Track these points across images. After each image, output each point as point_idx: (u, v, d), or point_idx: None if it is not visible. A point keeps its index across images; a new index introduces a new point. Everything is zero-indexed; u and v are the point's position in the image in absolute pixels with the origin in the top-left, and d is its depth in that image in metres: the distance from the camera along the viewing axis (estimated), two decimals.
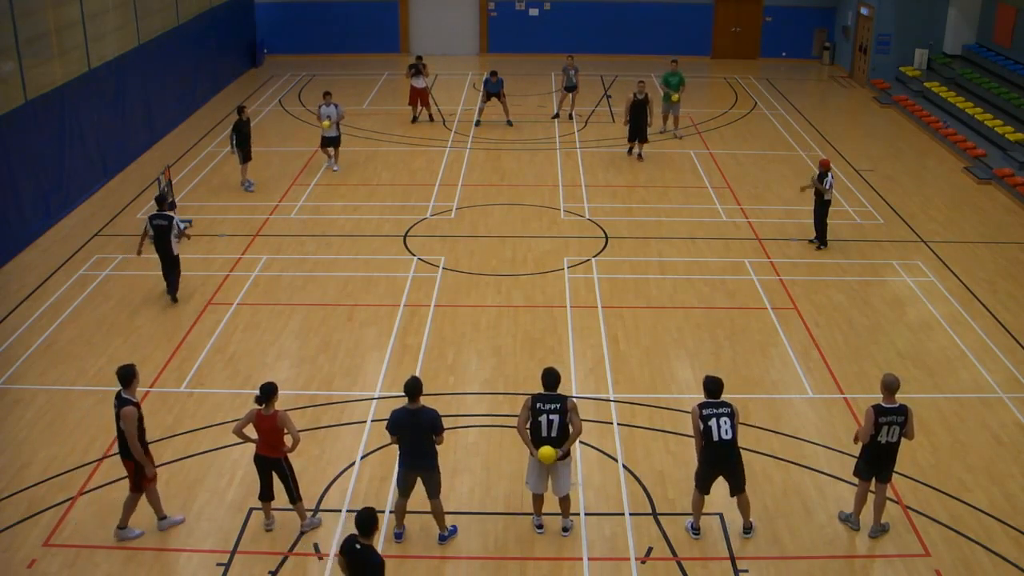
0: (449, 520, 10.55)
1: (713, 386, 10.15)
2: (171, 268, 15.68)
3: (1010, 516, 10.86)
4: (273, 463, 10.26)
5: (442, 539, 10.38)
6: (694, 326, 15.07)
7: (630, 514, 10.84)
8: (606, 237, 18.38)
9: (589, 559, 10.20)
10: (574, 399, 10.84)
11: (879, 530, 10.49)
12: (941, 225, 19.35)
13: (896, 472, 10.66)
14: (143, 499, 10.44)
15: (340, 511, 10.85)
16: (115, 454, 11.60)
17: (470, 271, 16.91)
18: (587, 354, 14.22)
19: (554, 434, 10.02)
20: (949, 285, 16.57)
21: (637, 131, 22.55)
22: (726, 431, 9.96)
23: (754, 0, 34.35)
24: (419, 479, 10.17)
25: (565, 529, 10.52)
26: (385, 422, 10.22)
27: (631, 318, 15.30)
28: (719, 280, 16.66)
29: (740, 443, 10.21)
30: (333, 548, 10.28)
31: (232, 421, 12.13)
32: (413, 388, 9.96)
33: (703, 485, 10.29)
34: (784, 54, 34.59)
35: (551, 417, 10.00)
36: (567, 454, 10.16)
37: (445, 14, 34.78)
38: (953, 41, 29.67)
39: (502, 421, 12.49)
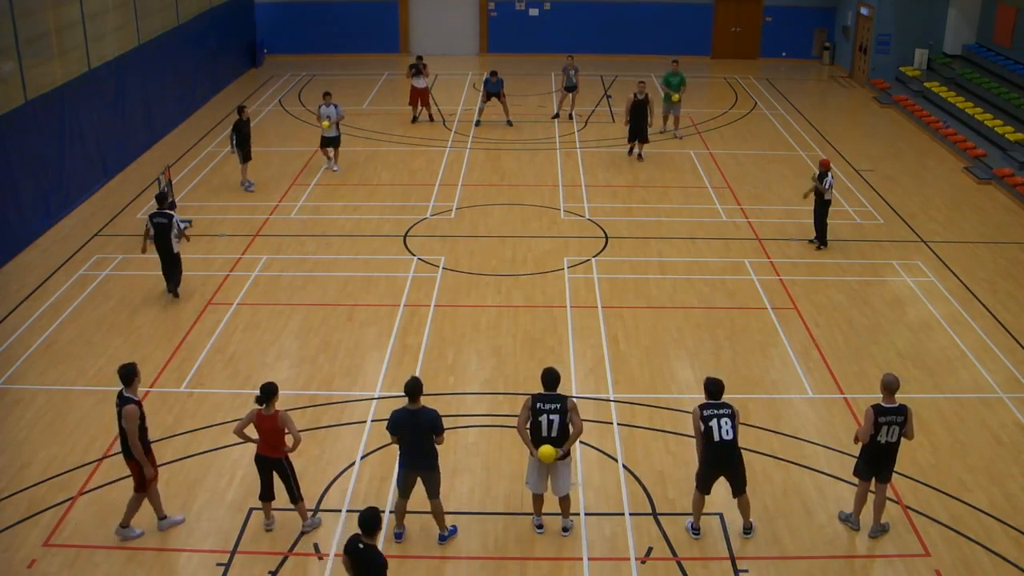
0: (449, 520, 10.55)
1: (714, 387, 10.16)
2: (172, 266, 15.73)
3: (1010, 516, 10.86)
4: (274, 463, 10.26)
5: (442, 539, 10.38)
6: (694, 326, 15.07)
7: (630, 514, 10.85)
8: (606, 237, 18.38)
9: (589, 559, 10.20)
10: (574, 399, 10.84)
11: (879, 530, 10.49)
12: (941, 225, 19.35)
13: (896, 472, 10.66)
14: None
15: (340, 511, 10.85)
16: (115, 454, 11.63)
17: (470, 271, 16.91)
18: (587, 354, 14.22)
19: (554, 434, 10.03)
20: (949, 285, 16.57)
21: (637, 131, 22.55)
22: (727, 432, 9.96)
23: (754, 0, 34.35)
24: (419, 479, 10.18)
25: (565, 529, 10.53)
26: (385, 422, 10.23)
27: (631, 318, 15.30)
28: (719, 280, 16.67)
29: (740, 443, 10.20)
30: (333, 548, 10.29)
31: (232, 421, 12.13)
32: (413, 388, 9.96)
33: (704, 485, 10.29)
34: (784, 54, 34.59)
35: (551, 417, 10.00)
36: (567, 454, 10.16)
37: (445, 14, 34.78)
38: (953, 41, 29.67)
39: (502, 421, 12.49)
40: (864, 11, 31.18)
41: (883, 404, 10.13)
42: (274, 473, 10.34)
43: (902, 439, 10.24)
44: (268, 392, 10.05)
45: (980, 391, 13.41)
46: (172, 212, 15.83)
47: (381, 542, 10.07)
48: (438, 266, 17.07)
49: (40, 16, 19.36)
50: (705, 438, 10.02)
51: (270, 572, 9.99)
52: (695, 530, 10.46)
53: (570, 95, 26.39)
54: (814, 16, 34.29)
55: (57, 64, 19.87)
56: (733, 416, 10.03)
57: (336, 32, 34.35)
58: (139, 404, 10.06)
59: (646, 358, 14.14)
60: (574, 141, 24.55)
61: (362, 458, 11.80)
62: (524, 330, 14.90)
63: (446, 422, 10.27)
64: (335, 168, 22.01)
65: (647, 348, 14.42)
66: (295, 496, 10.38)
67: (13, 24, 17.82)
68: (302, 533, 10.46)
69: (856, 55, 31.95)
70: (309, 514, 10.60)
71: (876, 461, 10.30)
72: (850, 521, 10.64)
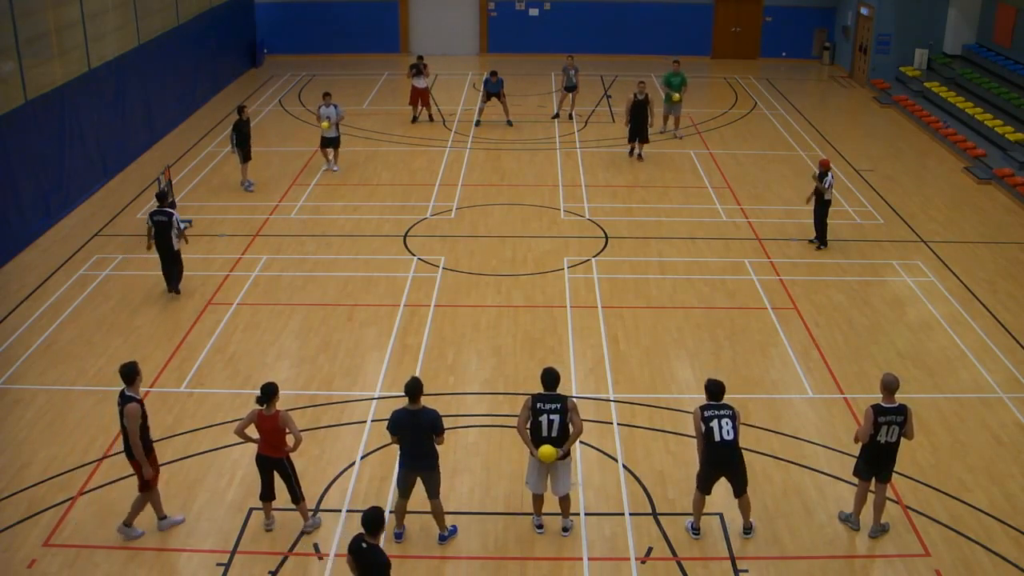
0: (449, 520, 10.55)
1: (715, 388, 10.17)
2: (172, 264, 15.78)
3: (1010, 516, 10.86)
4: (275, 463, 10.26)
5: (442, 539, 10.38)
6: (694, 326, 15.07)
7: (630, 514, 10.85)
8: (606, 237, 18.38)
9: (589, 559, 10.20)
10: (574, 399, 10.84)
11: (879, 530, 10.49)
12: (941, 225, 19.35)
13: (896, 472, 10.66)
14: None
15: (340, 511, 10.85)
16: (115, 454, 11.64)
17: (470, 271, 16.91)
18: (587, 354, 14.22)
19: (554, 434, 10.03)
20: (949, 285, 16.57)
21: (638, 131, 22.56)
22: (727, 432, 9.96)
23: (754, 0, 34.35)
24: (419, 479, 10.18)
25: (565, 529, 10.53)
26: (385, 422, 10.23)
27: (631, 318, 15.30)
28: (719, 280, 16.67)
29: (741, 443, 10.20)
30: (333, 548, 10.29)
31: (232, 421, 12.14)
32: (414, 389, 9.96)
33: (704, 486, 10.29)
34: (784, 54, 34.59)
35: (551, 417, 10.00)
36: (567, 454, 10.17)
37: (445, 14, 34.77)
38: (953, 41, 29.67)
39: (502, 421, 12.49)
40: (864, 11, 31.18)
41: (883, 404, 10.13)
42: (275, 473, 10.34)
43: (902, 439, 10.24)
44: (269, 392, 10.05)
45: (980, 391, 13.41)
46: (172, 210, 15.86)
47: (382, 542, 10.09)
48: (438, 266, 17.08)
49: (40, 16, 19.36)
50: (706, 439, 10.03)
51: (270, 572, 9.99)
52: (695, 530, 10.46)
53: (570, 95, 26.39)
54: (814, 16, 34.29)
55: (57, 64, 19.87)
56: (734, 417, 10.03)
57: (336, 32, 34.34)
58: (141, 403, 10.07)
59: (646, 358, 14.14)
60: (574, 141, 24.55)
61: (362, 458, 11.80)
62: (524, 330, 14.90)
63: (446, 422, 10.27)
64: (335, 168, 22.01)
65: (647, 348, 14.42)
66: (296, 496, 10.38)
67: (13, 24, 17.82)
68: (303, 533, 10.46)
69: (856, 55, 31.95)
70: (310, 514, 10.60)
71: (876, 461, 10.30)
72: (850, 521, 10.64)
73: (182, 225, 15.87)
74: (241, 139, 20.48)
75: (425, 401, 10.10)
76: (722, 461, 10.09)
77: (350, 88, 29.63)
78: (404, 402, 10.03)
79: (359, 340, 14.60)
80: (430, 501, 10.26)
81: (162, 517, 10.58)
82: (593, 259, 17.40)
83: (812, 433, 12.38)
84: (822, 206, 17.74)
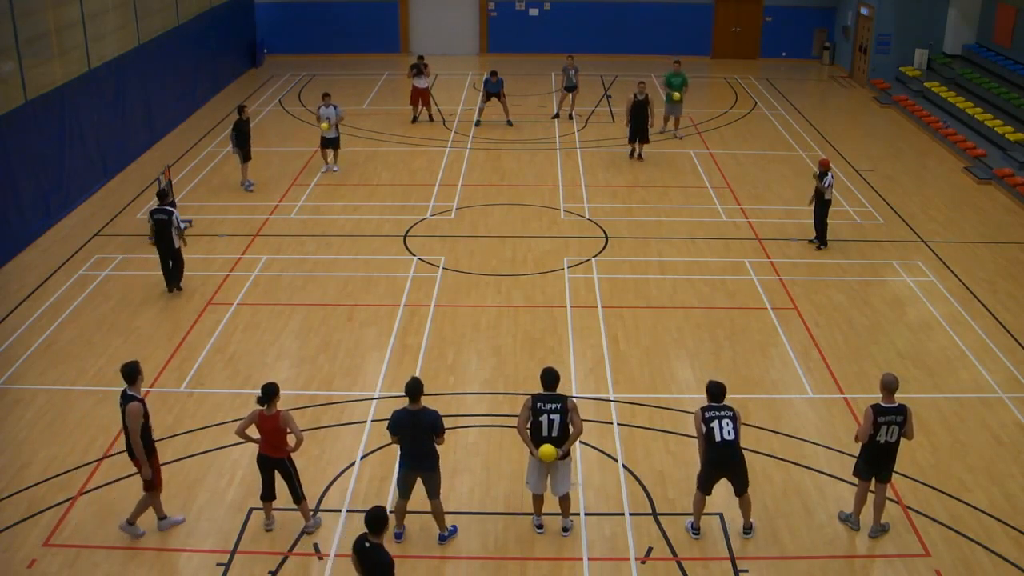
0: (449, 520, 10.55)
1: (716, 390, 10.18)
2: (173, 262, 15.81)
3: (1010, 516, 10.86)
4: (277, 463, 10.27)
5: (442, 539, 10.38)
6: (694, 326, 15.07)
7: (630, 514, 10.85)
8: (606, 237, 18.38)
9: (589, 559, 10.20)
10: (574, 399, 10.84)
11: (879, 530, 10.49)
12: (941, 225, 19.35)
13: (896, 472, 10.66)
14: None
15: (340, 511, 10.85)
16: (115, 454, 11.66)
17: (470, 271, 16.91)
18: (587, 354, 14.22)
19: (555, 434, 10.03)
20: (949, 285, 16.57)
21: (638, 131, 22.56)
22: (728, 432, 9.97)
23: (754, 0, 34.35)
24: (419, 479, 10.18)
25: (565, 529, 10.53)
26: (385, 422, 10.23)
27: (631, 318, 15.29)
28: (719, 280, 16.67)
29: (740, 443, 10.19)
30: (333, 548, 10.29)
31: (232, 421, 12.15)
32: (414, 389, 9.96)
33: (705, 486, 10.29)
34: (784, 54, 34.59)
35: (552, 417, 10.00)
36: (567, 454, 10.17)
37: (445, 14, 34.78)
38: (953, 41, 29.67)
39: (502, 421, 12.49)
40: (864, 11, 31.18)
41: (882, 404, 10.13)
42: (276, 473, 10.34)
43: (902, 439, 10.24)
44: (269, 392, 10.06)
45: (980, 391, 13.41)
46: (172, 208, 15.88)
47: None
48: (438, 266, 17.08)
49: (40, 16, 19.36)
50: (707, 439, 10.03)
51: (270, 572, 9.99)
52: (695, 530, 10.46)
53: (570, 95, 26.39)
54: (814, 16, 34.29)
55: (57, 64, 19.87)
56: (735, 418, 10.04)
57: (336, 32, 34.34)
58: (143, 402, 10.07)
59: (646, 358, 14.14)
60: (574, 141, 24.55)
61: (362, 458, 11.80)
62: (524, 330, 14.90)
63: (446, 422, 10.27)
64: (335, 169, 22.00)
65: (647, 348, 14.42)
66: (298, 496, 10.38)
67: (13, 24, 17.82)
68: (304, 533, 10.46)
69: (856, 55, 31.95)
70: (311, 514, 10.60)
71: (876, 461, 10.30)
72: (850, 521, 10.64)
73: (182, 225, 15.89)
74: (241, 139, 20.49)
75: (425, 401, 10.10)
76: (723, 461, 10.09)
77: (350, 88, 29.63)
78: (404, 402, 10.03)
79: (359, 340, 14.60)
80: (430, 501, 10.26)
81: (162, 517, 10.57)
82: (593, 259, 17.40)
83: (812, 433, 12.38)
84: (822, 206, 17.74)
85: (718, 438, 9.97)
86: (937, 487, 11.34)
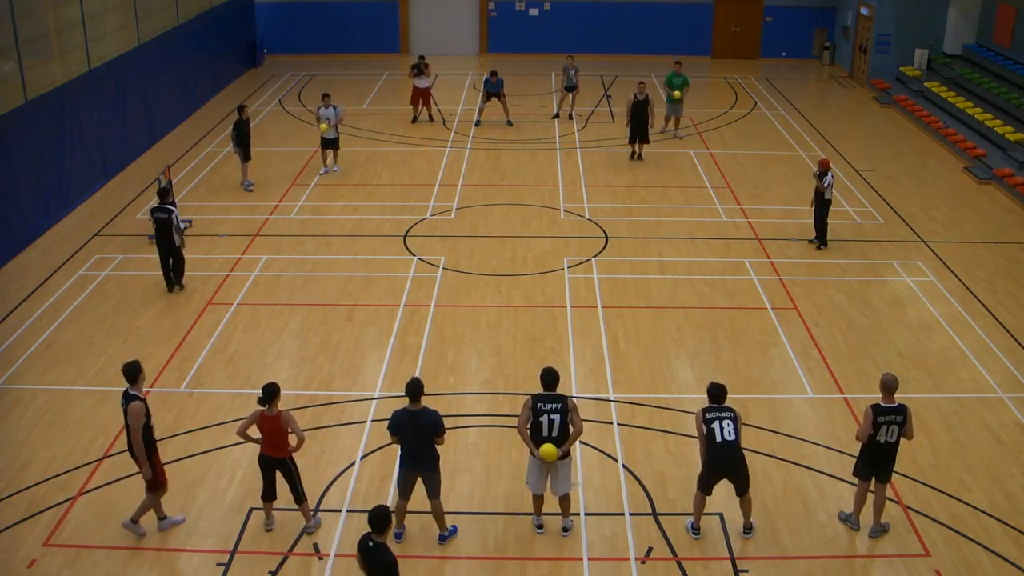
0: (449, 520, 10.55)
1: (717, 392, 10.19)
2: (173, 260, 15.83)
3: (1010, 516, 10.86)
4: (278, 463, 10.26)
5: (442, 539, 10.38)
6: (694, 326, 15.07)
7: (630, 514, 10.85)
8: (606, 237, 18.38)
9: (589, 559, 10.20)
10: (574, 399, 10.84)
11: (879, 530, 10.49)
12: (941, 225, 19.35)
13: (896, 472, 10.67)
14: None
15: (340, 511, 10.85)
16: (115, 454, 11.66)
17: (470, 271, 16.91)
18: (587, 354, 14.22)
19: (555, 434, 10.03)
20: (949, 285, 16.57)
21: (638, 132, 22.56)
22: (729, 432, 9.97)
23: (754, 0, 34.36)
24: (419, 479, 10.18)
25: (565, 529, 10.53)
26: (385, 422, 10.23)
27: (631, 318, 15.30)
28: (719, 280, 16.67)
29: (741, 444, 10.20)
30: (333, 548, 10.29)
31: (232, 421, 12.16)
32: (414, 389, 9.96)
33: (705, 486, 10.29)
34: (784, 54, 34.59)
35: (552, 417, 10.00)
36: (567, 454, 10.17)
37: (445, 14, 34.78)
38: (953, 41, 29.68)
39: (502, 421, 12.49)
40: (864, 11, 31.18)
41: (882, 404, 10.13)
42: (276, 473, 10.34)
43: (902, 439, 10.24)
44: (270, 393, 10.06)
45: (980, 391, 13.41)
46: (173, 207, 15.89)
47: None
48: (438, 266, 17.08)
49: (40, 16, 19.36)
50: (708, 440, 10.03)
51: (270, 572, 9.99)
52: (695, 530, 10.46)
53: (570, 95, 26.39)
54: (814, 16, 34.29)
55: (57, 64, 19.87)
56: (735, 419, 10.05)
57: (336, 32, 34.34)
58: (144, 401, 10.08)
59: (646, 358, 14.14)
60: (574, 141, 24.55)
61: (362, 458, 11.80)
62: (524, 330, 14.90)
63: (446, 422, 10.26)
64: (335, 169, 22.00)
65: (647, 348, 14.42)
66: (299, 496, 10.38)
67: (13, 24, 17.82)
68: (304, 533, 10.46)
69: (856, 55, 31.95)
70: (311, 514, 10.60)
71: (875, 461, 10.30)
72: (850, 521, 10.64)
73: (182, 226, 15.89)
74: (241, 139, 20.49)
75: (425, 401, 10.10)
76: (724, 461, 10.08)
77: (350, 88, 29.63)
78: (404, 402, 10.03)
79: (359, 340, 14.60)
80: (430, 501, 10.26)
81: (162, 517, 10.57)
82: (593, 259, 17.40)
83: (812, 433, 12.38)
84: (822, 206, 17.75)
85: (719, 438, 9.97)
86: (937, 487, 11.34)
